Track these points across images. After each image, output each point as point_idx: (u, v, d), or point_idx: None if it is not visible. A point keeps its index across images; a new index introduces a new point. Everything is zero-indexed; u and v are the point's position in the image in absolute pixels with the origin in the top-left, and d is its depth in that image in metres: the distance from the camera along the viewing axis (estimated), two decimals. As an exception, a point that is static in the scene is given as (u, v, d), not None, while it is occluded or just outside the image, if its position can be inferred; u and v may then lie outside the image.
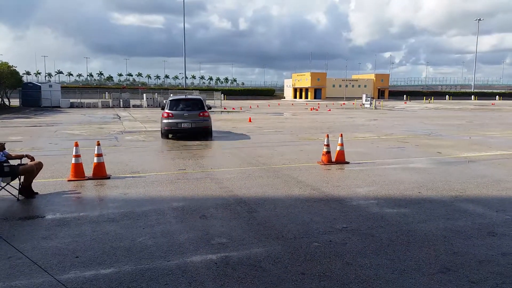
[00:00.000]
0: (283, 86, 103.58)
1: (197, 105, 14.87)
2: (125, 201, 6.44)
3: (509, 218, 5.74)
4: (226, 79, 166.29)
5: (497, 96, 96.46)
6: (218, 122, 22.83)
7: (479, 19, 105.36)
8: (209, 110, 15.51)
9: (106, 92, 53.59)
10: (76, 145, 8.03)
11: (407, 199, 6.70)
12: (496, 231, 5.19)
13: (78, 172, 7.93)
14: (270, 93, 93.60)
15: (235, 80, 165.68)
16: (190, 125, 14.22)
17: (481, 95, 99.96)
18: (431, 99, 76.40)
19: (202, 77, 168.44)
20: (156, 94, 44.40)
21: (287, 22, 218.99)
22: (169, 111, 14.34)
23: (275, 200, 6.54)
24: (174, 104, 14.68)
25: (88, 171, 8.17)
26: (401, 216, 5.76)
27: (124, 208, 6.05)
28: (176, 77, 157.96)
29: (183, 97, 15.30)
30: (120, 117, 26.52)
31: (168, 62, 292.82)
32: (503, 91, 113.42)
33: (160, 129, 15.12)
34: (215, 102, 47.07)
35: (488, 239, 4.89)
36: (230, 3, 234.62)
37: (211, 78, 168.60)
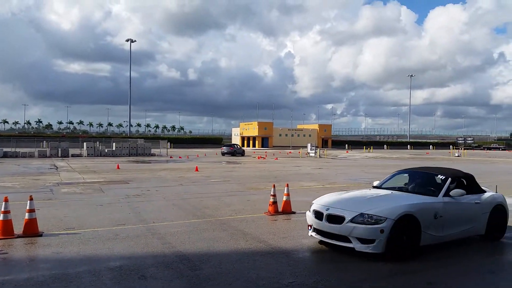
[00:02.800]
0: (231, 135, 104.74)
1: (233, 146, 48.65)
2: (57, 261, 5.94)
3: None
4: (173, 127, 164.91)
5: (430, 146, 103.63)
6: (163, 172, 22.33)
7: (412, 75, 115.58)
8: (239, 147, 49.36)
9: (44, 141, 50.94)
10: (6, 200, 7.41)
11: (351, 250, 6.77)
12: (435, 280, 5.33)
13: (6, 229, 7.26)
14: (218, 141, 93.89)
15: (182, 129, 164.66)
16: (229, 151, 45.51)
17: (416, 145, 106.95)
18: (370, 149, 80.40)
19: (148, 125, 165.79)
20: (97, 142, 42.75)
21: (235, 73, 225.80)
22: (222, 147, 47.69)
23: (220, 256, 6.34)
24: (224, 145, 49.36)
25: (19, 228, 7.51)
26: (346, 268, 5.77)
27: (56, 270, 5.56)
28: (120, 125, 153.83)
29: (228, 143, 59.94)
30: (57, 167, 25.15)
31: (113, 110, 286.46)
32: (435, 141, 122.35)
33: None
34: (161, 150, 46.33)
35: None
36: (179, 54, 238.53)
37: (157, 126, 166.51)
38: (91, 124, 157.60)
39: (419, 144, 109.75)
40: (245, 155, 47.18)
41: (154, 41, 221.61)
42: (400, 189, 7.65)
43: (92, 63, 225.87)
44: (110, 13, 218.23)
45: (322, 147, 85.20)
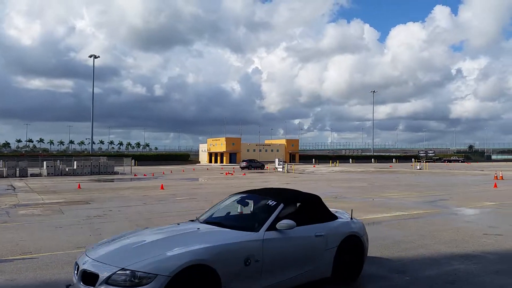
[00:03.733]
0: (198, 151, 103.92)
1: (253, 161, 57.17)
2: (10, 290, 5.60)
3: (408, 279, 6.07)
4: (138, 144, 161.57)
5: (393, 159, 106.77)
6: (126, 190, 21.77)
7: (374, 91, 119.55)
8: (256, 161, 58.60)
9: (1, 160, 48.59)
10: (-47, 225, 6.97)
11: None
12: (398, 293, 5.42)
13: (-47, 257, 6.80)
14: (185, 158, 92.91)
15: (147, 145, 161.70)
16: (247, 165, 54.20)
17: (380, 158, 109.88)
18: (336, 163, 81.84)
19: (111, 142, 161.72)
20: (58, 161, 41.18)
21: (203, 89, 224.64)
22: (243, 162, 56.69)
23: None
24: (243, 160, 59.20)
25: (-33, 255, 7.05)
26: (311, 285, 5.77)
27: (8, 299, 5.24)
28: (82, 143, 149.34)
29: (248, 159, 59.81)
30: (14, 188, 24.00)
31: (75, 127, 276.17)
32: (398, 154, 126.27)
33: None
34: (125, 168, 45.19)
35: (391, 303, 5.05)
36: (145, 70, 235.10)
37: (121, 143, 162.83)
38: (51, 142, 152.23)
39: (383, 158, 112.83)
40: (264, 168, 55.66)
41: (119, 57, 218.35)
42: (220, 221, 5.53)
43: (54, 79, 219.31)
44: (74, 28, 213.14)
45: (290, 162, 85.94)
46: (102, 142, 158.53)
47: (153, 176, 36.92)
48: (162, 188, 22.43)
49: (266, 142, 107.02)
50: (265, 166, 57.84)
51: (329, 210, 6.12)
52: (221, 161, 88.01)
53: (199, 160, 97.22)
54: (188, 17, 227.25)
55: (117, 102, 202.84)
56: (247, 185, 25.42)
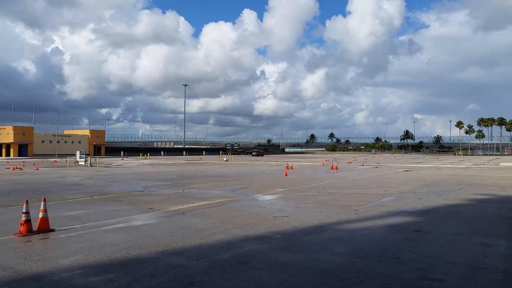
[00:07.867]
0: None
1: (259, 152, 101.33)
2: None
3: (206, 264, 6.30)
4: None
5: (203, 151, 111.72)
6: None
7: (186, 85, 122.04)
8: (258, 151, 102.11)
9: None
10: None
11: (115, 262, 6.40)
12: (195, 279, 5.56)
13: None
14: (-42, 151, 75.80)
15: None
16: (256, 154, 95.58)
17: (191, 151, 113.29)
18: (147, 155, 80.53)
19: None
20: None
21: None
22: (253, 152, 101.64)
23: None
24: (253, 150, 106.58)
25: None
26: (106, 283, 5.40)
27: None
28: None
29: (256, 149, 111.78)
30: None
31: None
32: (208, 146, 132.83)
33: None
34: None
35: (188, 290, 5.15)
36: None
37: None
38: None
39: (194, 150, 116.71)
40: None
41: None
42: None
43: None
44: None
45: (95, 155, 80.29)
46: None
47: None
48: None
49: (66, 132, 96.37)
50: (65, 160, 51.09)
51: None
52: (8, 154, 75.27)
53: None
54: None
55: None
56: (39, 181, 22.43)
